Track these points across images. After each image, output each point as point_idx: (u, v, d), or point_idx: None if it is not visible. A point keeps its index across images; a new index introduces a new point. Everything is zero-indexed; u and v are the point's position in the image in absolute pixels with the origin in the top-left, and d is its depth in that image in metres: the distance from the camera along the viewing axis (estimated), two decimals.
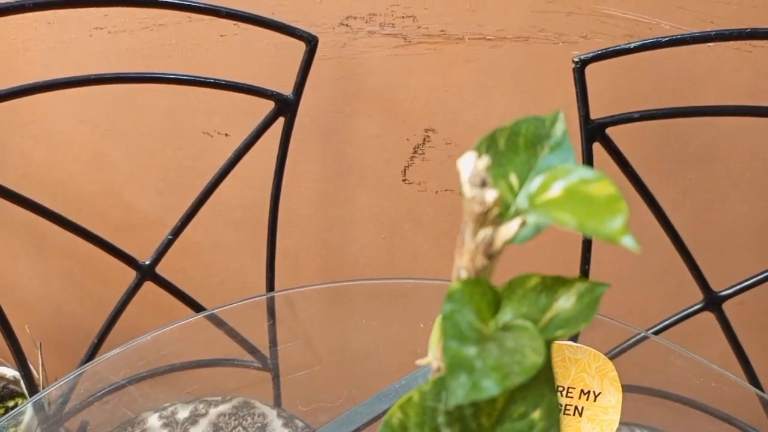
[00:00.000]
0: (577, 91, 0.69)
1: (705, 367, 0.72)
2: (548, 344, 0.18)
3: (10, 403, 0.85)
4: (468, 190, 0.16)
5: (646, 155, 0.79)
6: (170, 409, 0.82)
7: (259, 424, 0.80)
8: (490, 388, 0.15)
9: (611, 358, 0.85)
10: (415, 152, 0.83)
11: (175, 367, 0.83)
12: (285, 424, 0.80)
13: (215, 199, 0.77)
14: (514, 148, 0.18)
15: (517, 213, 0.17)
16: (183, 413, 0.81)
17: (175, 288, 0.79)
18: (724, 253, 0.85)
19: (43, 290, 0.92)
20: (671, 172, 0.81)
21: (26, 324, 0.82)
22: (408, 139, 0.83)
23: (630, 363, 0.83)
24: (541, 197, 0.16)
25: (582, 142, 0.73)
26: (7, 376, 0.85)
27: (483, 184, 0.16)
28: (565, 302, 0.19)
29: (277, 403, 0.85)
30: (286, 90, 0.72)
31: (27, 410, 0.77)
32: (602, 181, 0.15)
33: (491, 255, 0.16)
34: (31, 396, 0.79)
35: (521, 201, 0.17)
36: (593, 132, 0.72)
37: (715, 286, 0.75)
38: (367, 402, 0.61)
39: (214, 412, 0.82)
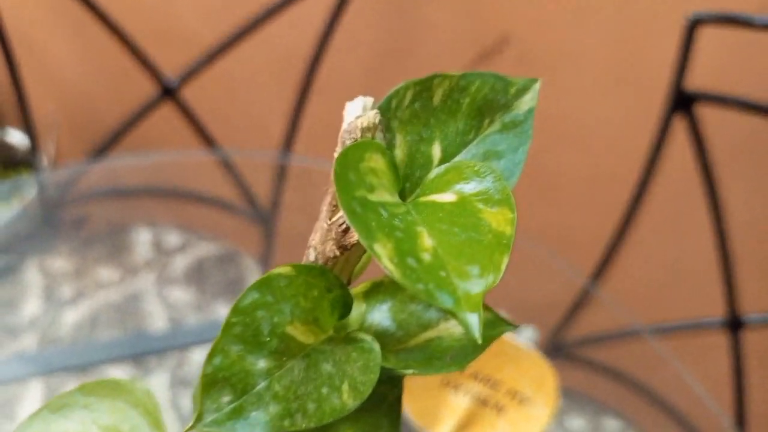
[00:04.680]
0: (680, 52, 0.60)
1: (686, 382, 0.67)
2: (399, 377, 0.13)
3: (24, 174, 0.87)
4: (338, 147, 0.11)
5: (729, 151, 0.69)
6: (163, 230, 0.83)
7: (240, 275, 0.81)
8: (257, 425, 0.11)
9: (603, 340, 0.81)
10: (480, 62, 0.75)
11: (177, 192, 0.83)
12: None
13: (264, 36, 0.72)
14: (453, 109, 0.12)
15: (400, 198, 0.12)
16: (174, 240, 0.82)
17: (195, 117, 0.77)
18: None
19: (75, 77, 0.91)
20: (749, 176, 0.72)
21: (51, 103, 0.81)
22: (477, 42, 0.74)
23: (619, 348, 0.79)
24: (430, 195, 0.11)
25: (665, 110, 0.64)
26: (22, 148, 0.86)
27: None
28: (457, 326, 0.14)
29: (263, 262, 0.84)
30: None
31: (33, 187, 0.78)
32: (505, 212, 0.10)
33: (344, 247, 0.12)
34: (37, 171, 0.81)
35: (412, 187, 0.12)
36: (678, 102, 0.63)
37: (740, 309, 0.68)
38: None
39: (204, 248, 0.82)
